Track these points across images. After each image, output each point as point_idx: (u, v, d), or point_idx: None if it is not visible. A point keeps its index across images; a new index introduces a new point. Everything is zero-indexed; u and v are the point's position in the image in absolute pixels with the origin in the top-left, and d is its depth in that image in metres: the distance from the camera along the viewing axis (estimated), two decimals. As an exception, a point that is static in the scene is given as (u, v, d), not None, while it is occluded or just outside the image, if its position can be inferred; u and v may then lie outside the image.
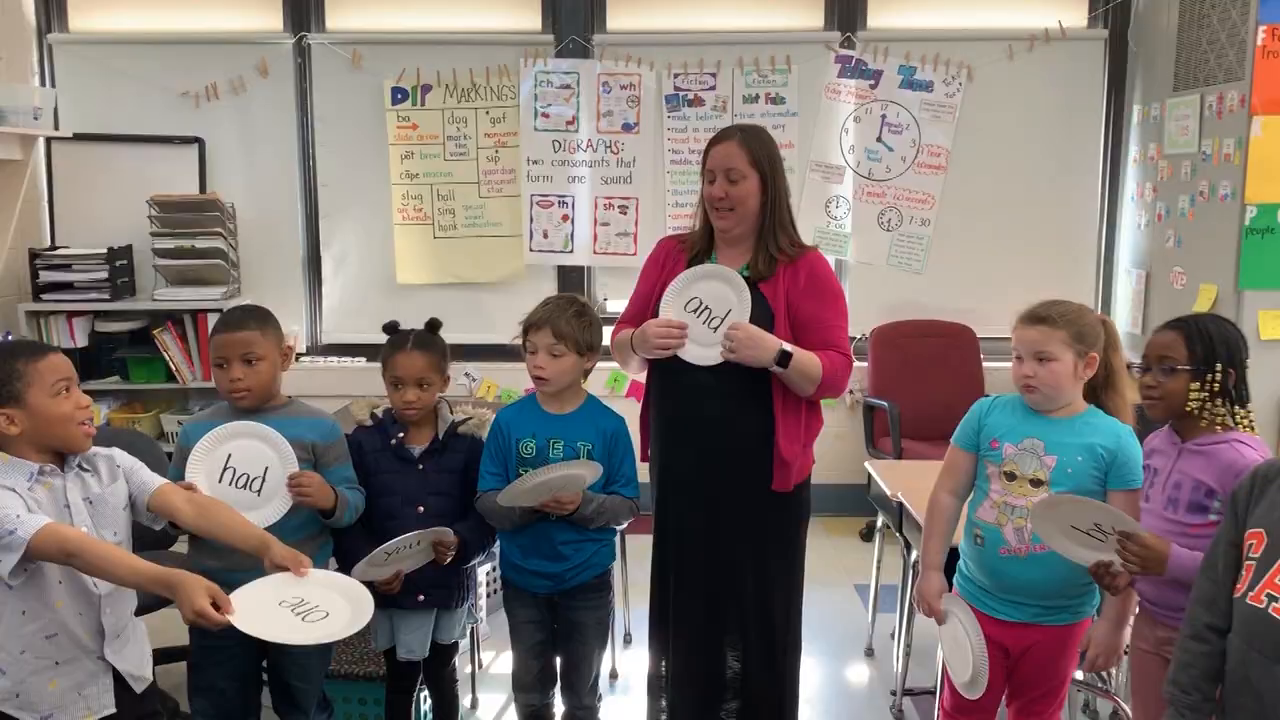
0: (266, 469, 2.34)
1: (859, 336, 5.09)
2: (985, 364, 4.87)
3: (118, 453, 2.15)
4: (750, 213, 2.54)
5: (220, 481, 2.32)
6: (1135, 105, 4.96)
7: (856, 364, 5.00)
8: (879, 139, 5.01)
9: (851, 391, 5.06)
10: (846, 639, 3.79)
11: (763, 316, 2.49)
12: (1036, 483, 2.29)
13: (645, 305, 2.63)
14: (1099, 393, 2.35)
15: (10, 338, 4.32)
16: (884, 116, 4.99)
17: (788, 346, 2.42)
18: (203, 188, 4.98)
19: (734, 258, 2.59)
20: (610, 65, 4.96)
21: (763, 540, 2.64)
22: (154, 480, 2.14)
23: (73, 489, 2.02)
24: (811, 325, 2.52)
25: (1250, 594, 1.73)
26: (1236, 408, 2.11)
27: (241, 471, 2.33)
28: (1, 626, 1.94)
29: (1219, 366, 2.09)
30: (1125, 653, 2.38)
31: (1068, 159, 5.05)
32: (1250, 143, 4.03)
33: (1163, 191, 4.66)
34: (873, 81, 4.97)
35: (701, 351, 2.50)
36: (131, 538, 2.13)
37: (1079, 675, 3.02)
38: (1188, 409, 2.10)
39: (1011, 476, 2.31)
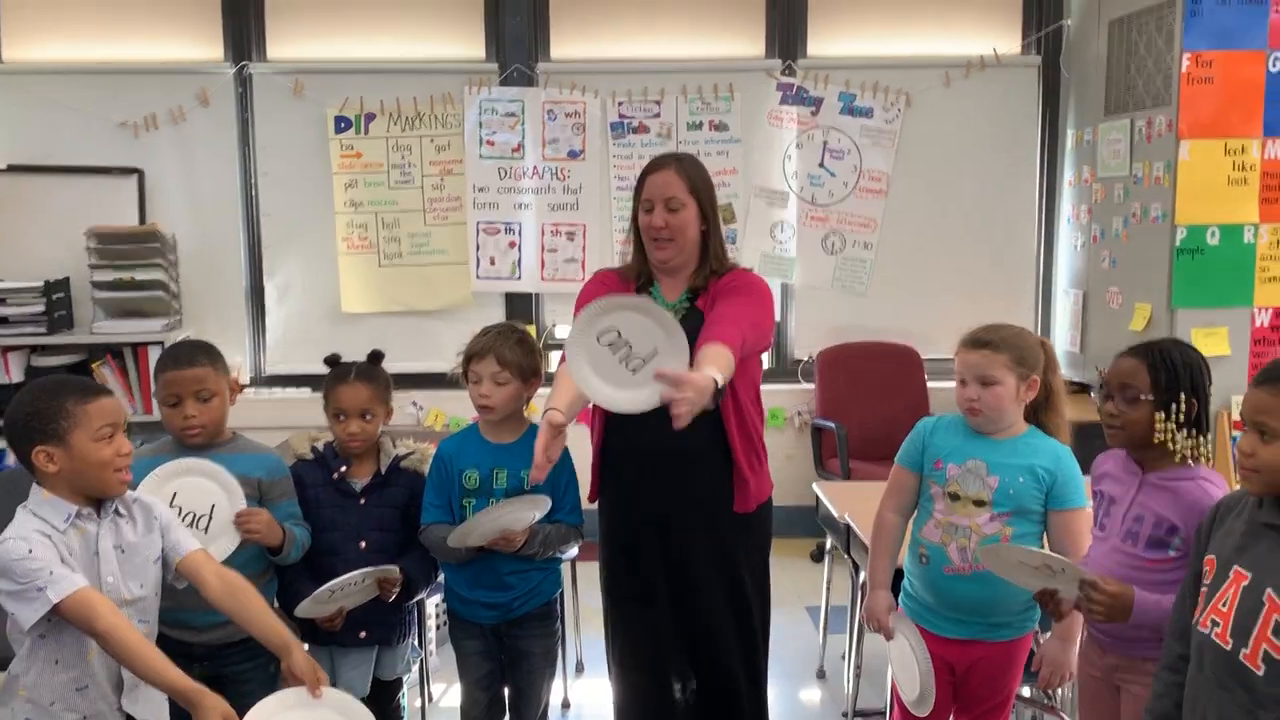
0: (214, 506, 2.31)
1: (806, 359, 5.15)
2: (930, 384, 4.94)
3: (158, 504, 2.10)
4: (689, 242, 2.48)
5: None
6: (1069, 130, 5.08)
7: (803, 386, 5.17)
8: (821, 164, 5.08)
9: (800, 413, 5.10)
10: (798, 661, 3.80)
11: (697, 329, 2.33)
12: (980, 503, 2.32)
13: None
14: (1039, 413, 2.38)
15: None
16: (825, 143, 5.07)
17: (715, 374, 2.12)
18: (143, 219, 4.91)
19: (674, 288, 2.52)
20: (555, 93, 4.99)
21: (729, 565, 2.57)
22: (188, 543, 2.08)
23: (105, 536, 1.98)
24: (714, 314, 2.38)
25: (1199, 620, 1.76)
26: (1200, 437, 2.07)
27: (188, 510, 2.29)
28: (31, 675, 1.91)
29: (1183, 396, 2.04)
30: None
31: (1005, 182, 5.15)
32: (1179, 166, 4.15)
33: (1097, 213, 4.78)
34: (814, 108, 5.05)
35: (619, 394, 2.14)
36: (159, 592, 2.08)
37: (1025, 692, 3.07)
38: (1155, 440, 2.06)
39: (955, 497, 2.35)
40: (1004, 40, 5.11)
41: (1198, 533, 1.85)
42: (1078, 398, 4.63)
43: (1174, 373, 2.06)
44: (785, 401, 5.11)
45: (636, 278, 2.54)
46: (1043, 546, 2.32)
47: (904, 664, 2.41)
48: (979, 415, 2.33)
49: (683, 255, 2.49)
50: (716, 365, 2.15)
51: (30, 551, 1.85)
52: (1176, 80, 4.14)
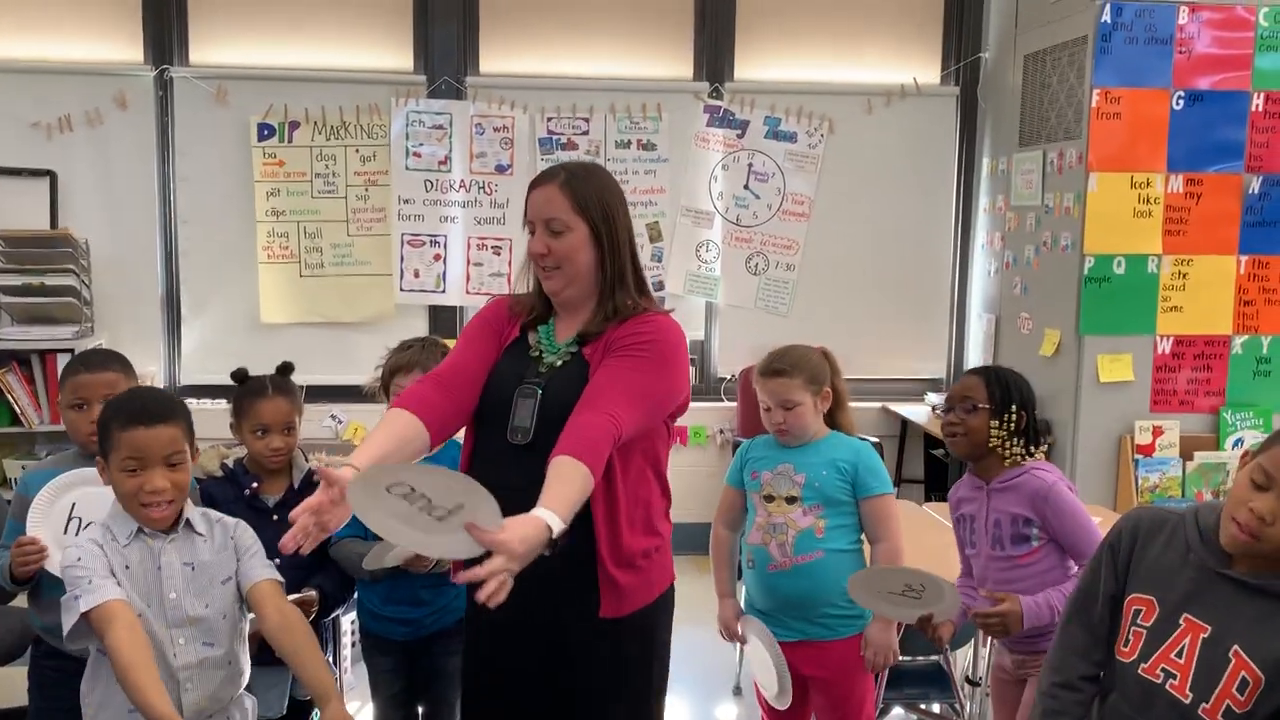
0: None
1: (729, 377, 5.20)
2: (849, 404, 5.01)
3: (242, 527, 2.04)
4: (581, 271, 2.02)
5: (66, 533, 2.22)
6: (985, 158, 5.24)
7: (725, 404, 5.22)
8: (746, 186, 5.15)
9: (722, 431, 5.16)
10: (715, 678, 3.83)
11: (574, 383, 1.96)
12: (791, 499, 2.54)
13: (467, 359, 2.07)
14: (833, 414, 2.63)
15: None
16: (751, 165, 5.14)
17: (551, 517, 1.68)
18: (54, 223, 4.77)
19: (571, 327, 2.06)
20: (484, 107, 4.99)
21: (600, 679, 2.07)
22: (261, 572, 2.01)
23: (171, 551, 1.93)
24: (595, 381, 1.94)
25: (1143, 665, 1.72)
26: (1031, 446, 2.34)
27: (88, 521, 2.23)
28: (96, 694, 1.88)
29: (1014, 408, 2.31)
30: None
31: (923, 208, 5.29)
32: (1088, 197, 4.31)
33: (1010, 241, 4.92)
34: (740, 131, 5.12)
35: (430, 539, 1.62)
36: (231, 615, 1.99)
37: (936, 708, 3.15)
38: (990, 445, 2.32)
39: (770, 498, 2.56)
40: (924, 70, 5.25)
41: (1111, 549, 1.81)
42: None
43: (1007, 388, 2.33)
44: (708, 419, 5.16)
45: (529, 310, 2.10)
46: (859, 537, 2.56)
47: (760, 662, 2.58)
48: (787, 435, 2.57)
49: (575, 287, 2.04)
50: (561, 498, 1.72)
51: (79, 560, 1.85)
52: (1087, 115, 4.30)
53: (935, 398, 5.12)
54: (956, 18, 5.24)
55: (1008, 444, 2.31)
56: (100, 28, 4.88)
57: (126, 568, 1.89)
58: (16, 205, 4.73)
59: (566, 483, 1.76)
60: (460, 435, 2.14)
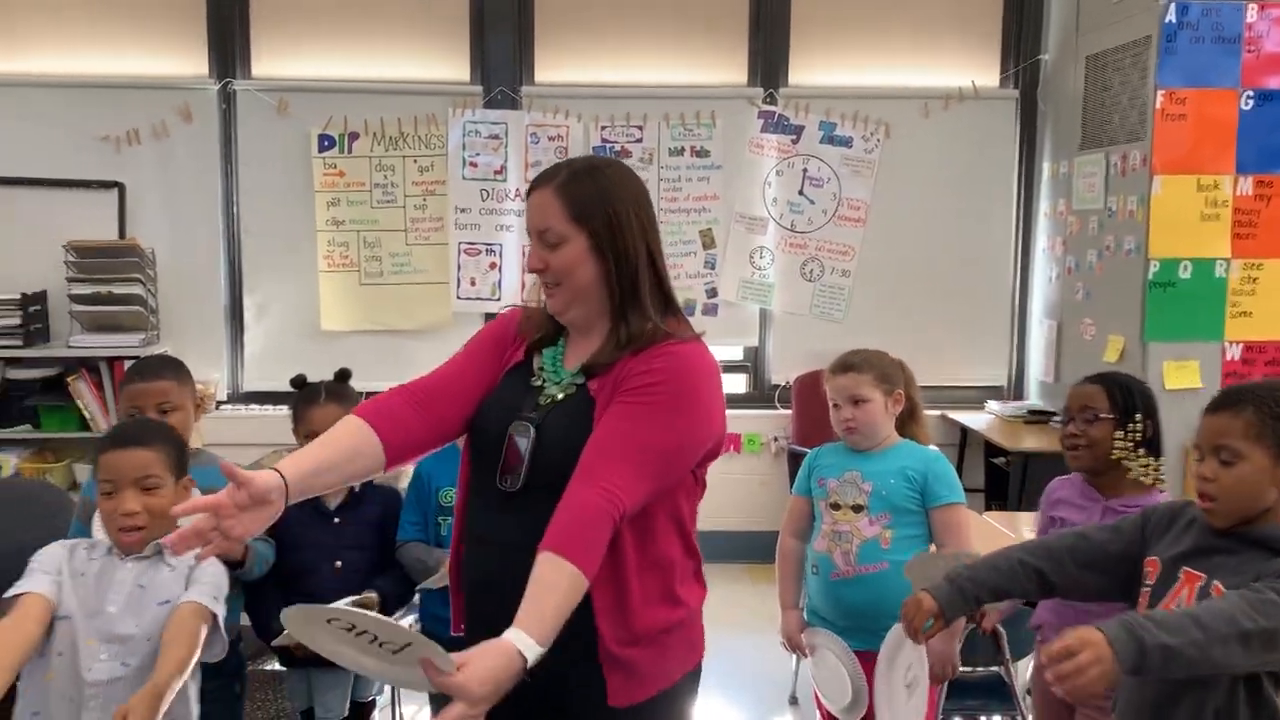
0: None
1: (783, 384, 5.17)
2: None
3: (213, 565, 1.99)
4: (584, 287, 1.72)
5: (130, 535, 2.27)
6: (1045, 162, 5.15)
7: (780, 412, 5.19)
8: (801, 192, 5.13)
9: (776, 439, 5.13)
10: (770, 688, 3.80)
11: (576, 423, 1.67)
12: (857, 508, 2.50)
13: (459, 375, 1.80)
14: (906, 426, 2.59)
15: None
16: (805, 170, 5.12)
17: (525, 642, 1.43)
18: (122, 233, 4.89)
19: (582, 354, 1.77)
20: (539, 116, 5.02)
21: None
22: (193, 596, 1.95)
23: (129, 569, 1.96)
24: (594, 439, 1.63)
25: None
26: (1154, 460, 2.23)
27: None
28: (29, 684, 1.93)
29: (1138, 417, 2.21)
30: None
31: (982, 213, 5.21)
32: (1152, 200, 4.22)
33: (1072, 245, 4.84)
34: (794, 136, 5.10)
35: (389, 668, 1.45)
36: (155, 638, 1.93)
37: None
38: (1113, 457, 2.20)
39: (836, 506, 2.53)
40: (982, 73, 5.18)
41: (1146, 516, 1.83)
42: (1051, 428, 4.67)
43: (1130, 395, 2.23)
44: (762, 426, 5.13)
45: (537, 329, 1.81)
46: (928, 546, 2.49)
47: (831, 673, 2.52)
48: (855, 433, 2.52)
49: (581, 306, 1.74)
50: (538, 614, 1.45)
51: (39, 554, 1.93)
52: (1151, 116, 4.21)
53: (996, 405, 5.05)
54: (1016, 20, 5.17)
55: (1133, 457, 2.20)
56: (166, 43, 4.99)
57: (82, 574, 1.94)
58: (87, 216, 4.85)
59: (547, 593, 1.47)
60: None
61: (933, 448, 2.62)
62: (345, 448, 1.63)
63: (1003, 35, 5.20)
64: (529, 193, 1.77)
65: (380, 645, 1.41)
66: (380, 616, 1.43)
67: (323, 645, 1.46)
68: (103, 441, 2.05)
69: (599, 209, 1.71)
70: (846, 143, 5.10)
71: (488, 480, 1.71)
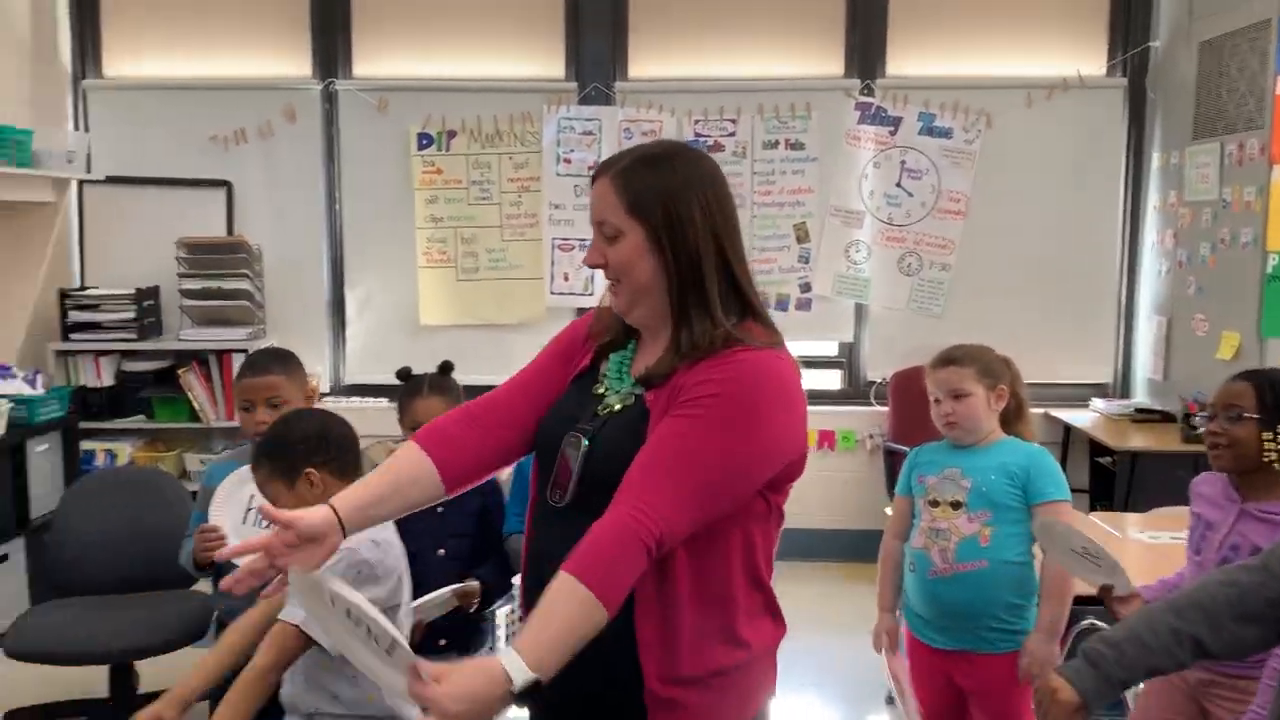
0: None
1: (879, 381, 5.09)
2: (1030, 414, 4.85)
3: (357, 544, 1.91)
4: (644, 286, 1.56)
5: (245, 523, 2.34)
6: (1155, 152, 4.98)
7: (876, 409, 5.12)
8: (899, 184, 5.04)
9: (871, 436, 5.06)
10: (866, 688, 3.75)
11: (629, 438, 1.51)
12: (956, 505, 2.45)
13: (522, 391, 1.69)
14: (1010, 423, 2.53)
15: (37, 375, 4.37)
16: (904, 162, 5.03)
17: (511, 663, 1.30)
18: (230, 230, 5.05)
19: (650, 358, 1.61)
20: (632, 112, 5.03)
21: None
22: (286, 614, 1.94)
23: None
24: (639, 454, 1.47)
25: None
26: None
27: None
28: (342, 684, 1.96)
29: None
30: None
31: (1088, 205, 5.06)
32: (1271, 190, 4.04)
33: (1183, 238, 4.67)
34: (892, 128, 5.02)
35: (387, 672, 1.39)
36: None
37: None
38: (1264, 459, 2.08)
39: (935, 503, 2.48)
40: (1088, 61, 5.02)
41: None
42: (1161, 427, 4.52)
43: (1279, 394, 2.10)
44: (857, 424, 5.07)
45: (605, 332, 1.68)
46: (1030, 549, 2.44)
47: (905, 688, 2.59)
48: (956, 427, 2.48)
49: (645, 307, 1.59)
50: (536, 636, 1.34)
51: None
52: (1270, 103, 4.03)
53: (1101, 403, 4.89)
54: (1124, 6, 5.00)
55: None
56: (272, 45, 5.14)
57: None
58: (197, 214, 5.03)
59: (551, 617, 1.35)
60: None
61: (1037, 444, 2.55)
62: (401, 477, 1.59)
63: (1110, 22, 5.04)
64: (592, 181, 1.61)
65: (375, 641, 1.37)
66: (375, 612, 1.36)
67: (333, 631, 1.41)
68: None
69: (658, 200, 1.54)
70: (946, 134, 5.00)
71: (544, 494, 1.61)
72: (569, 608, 1.35)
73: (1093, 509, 4.60)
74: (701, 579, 1.50)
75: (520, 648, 1.31)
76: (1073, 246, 5.05)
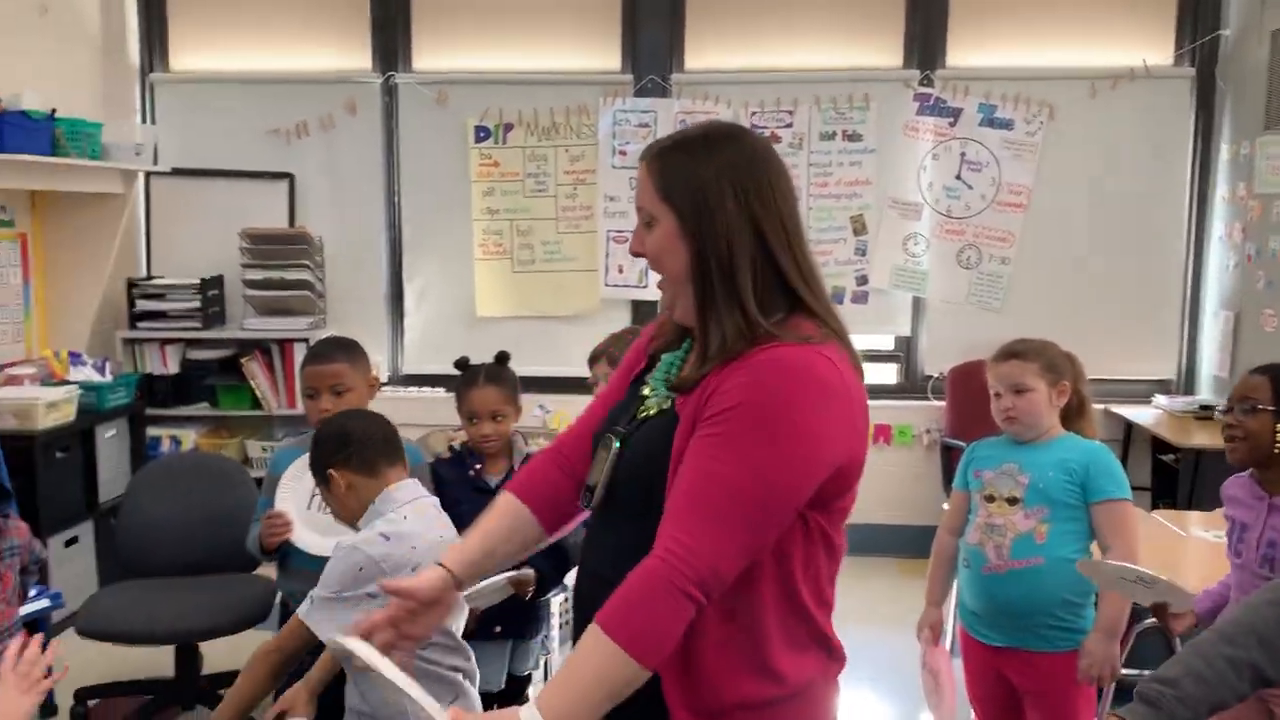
0: None
1: (936, 375, 5.04)
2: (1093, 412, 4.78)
3: (342, 550, 2.00)
4: (677, 276, 1.46)
5: (309, 508, 2.39)
6: (1224, 144, 4.86)
7: (933, 403, 5.06)
8: (958, 176, 4.98)
9: (928, 431, 5.01)
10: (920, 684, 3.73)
11: (657, 442, 1.44)
12: (1013, 500, 2.42)
13: (581, 438, 1.62)
14: (1072, 420, 2.49)
15: (105, 363, 4.49)
16: (963, 154, 4.96)
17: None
18: (292, 221, 5.14)
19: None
20: (688, 103, 5.02)
21: None
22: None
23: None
24: (673, 487, 1.38)
25: None
26: None
27: None
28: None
29: None
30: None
31: (1153, 198, 4.96)
32: (1346, 183, 3.93)
33: (1253, 232, 4.55)
34: (952, 119, 4.96)
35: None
36: None
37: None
38: (1275, 450, 2.11)
39: (991, 499, 2.46)
40: (1155, 51, 4.92)
41: None
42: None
43: None
44: (914, 419, 5.02)
45: (663, 330, 1.59)
46: (1087, 546, 2.40)
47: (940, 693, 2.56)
48: (1016, 423, 2.44)
49: (683, 300, 1.47)
50: (560, 692, 1.29)
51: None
52: (1346, 93, 3.92)
53: (1164, 400, 4.80)
54: (1193, -7, 4.89)
55: None
56: (333, 40, 5.21)
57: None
58: (260, 205, 5.12)
59: (577, 671, 1.29)
60: None
61: (1097, 441, 2.51)
62: (502, 529, 1.59)
63: (1178, 11, 4.92)
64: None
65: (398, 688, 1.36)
66: (417, 693, 1.33)
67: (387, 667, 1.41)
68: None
69: (687, 186, 1.43)
70: (1007, 125, 4.93)
71: (579, 495, 1.56)
72: (596, 661, 1.29)
73: (1154, 507, 4.51)
74: (725, 606, 1.37)
75: (542, 702, 1.27)
76: (1136, 240, 4.95)
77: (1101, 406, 4.84)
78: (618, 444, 1.49)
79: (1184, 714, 1.51)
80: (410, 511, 2.01)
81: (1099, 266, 4.96)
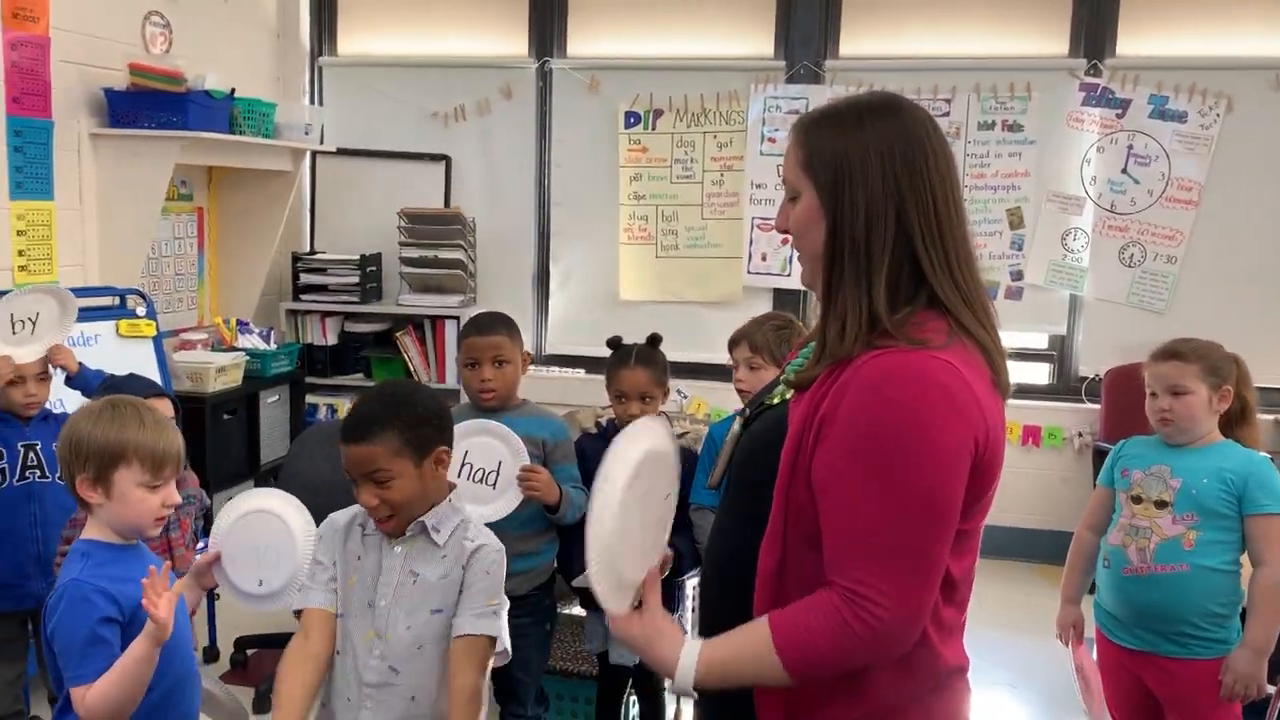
0: (500, 463, 2.48)
1: (1092, 376, 4.85)
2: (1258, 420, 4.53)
3: (484, 552, 1.87)
4: (816, 255, 1.37)
5: (459, 476, 2.47)
6: None
7: (1087, 406, 4.87)
8: (1124, 170, 4.76)
9: (1080, 434, 4.83)
10: (1062, 690, 3.60)
11: (771, 433, 1.39)
12: (1161, 504, 2.35)
13: None
14: (1234, 427, 2.41)
15: (270, 332, 4.72)
16: (1130, 147, 4.74)
17: (687, 653, 1.33)
18: (447, 202, 5.30)
19: None
20: (840, 90, 4.95)
21: None
22: (472, 626, 1.82)
23: (398, 555, 1.86)
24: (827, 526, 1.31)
25: None
26: None
27: (479, 466, 2.48)
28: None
29: None
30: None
31: (1340, 197, 4.64)
32: None
33: None
34: (1120, 111, 4.74)
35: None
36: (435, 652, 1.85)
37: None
38: None
39: (1138, 500, 2.40)
40: (1350, 39, 4.60)
41: None
42: None
43: None
44: (1065, 420, 4.85)
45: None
46: (1238, 558, 2.32)
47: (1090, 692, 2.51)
48: (1170, 425, 2.37)
49: (818, 282, 1.39)
50: (724, 644, 1.33)
51: (316, 550, 1.95)
52: None
53: (1343, 413, 4.50)
54: (1396, -23, 4.55)
55: None
56: (492, 26, 5.34)
57: (359, 558, 1.88)
58: (418, 186, 5.31)
59: (740, 648, 1.32)
60: None
61: (1261, 453, 2.40)
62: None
63: (1377, -5, 4.59)
64: None
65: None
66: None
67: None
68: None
69: (829, 157, 1.33)
70: (1180, 118, 4.68)
71: None
72: (755, 657, 1.29)
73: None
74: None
75: (704, 651, 1.31)
76: (1320, 242, 4.65)
77: (1271, 417, 4.59)
78: (740, 429, 1.51)
79: None
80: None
81: (1274, 269, 4.68)
